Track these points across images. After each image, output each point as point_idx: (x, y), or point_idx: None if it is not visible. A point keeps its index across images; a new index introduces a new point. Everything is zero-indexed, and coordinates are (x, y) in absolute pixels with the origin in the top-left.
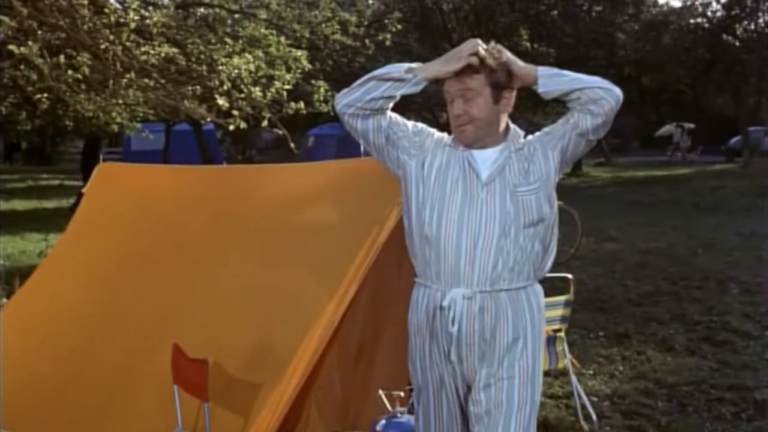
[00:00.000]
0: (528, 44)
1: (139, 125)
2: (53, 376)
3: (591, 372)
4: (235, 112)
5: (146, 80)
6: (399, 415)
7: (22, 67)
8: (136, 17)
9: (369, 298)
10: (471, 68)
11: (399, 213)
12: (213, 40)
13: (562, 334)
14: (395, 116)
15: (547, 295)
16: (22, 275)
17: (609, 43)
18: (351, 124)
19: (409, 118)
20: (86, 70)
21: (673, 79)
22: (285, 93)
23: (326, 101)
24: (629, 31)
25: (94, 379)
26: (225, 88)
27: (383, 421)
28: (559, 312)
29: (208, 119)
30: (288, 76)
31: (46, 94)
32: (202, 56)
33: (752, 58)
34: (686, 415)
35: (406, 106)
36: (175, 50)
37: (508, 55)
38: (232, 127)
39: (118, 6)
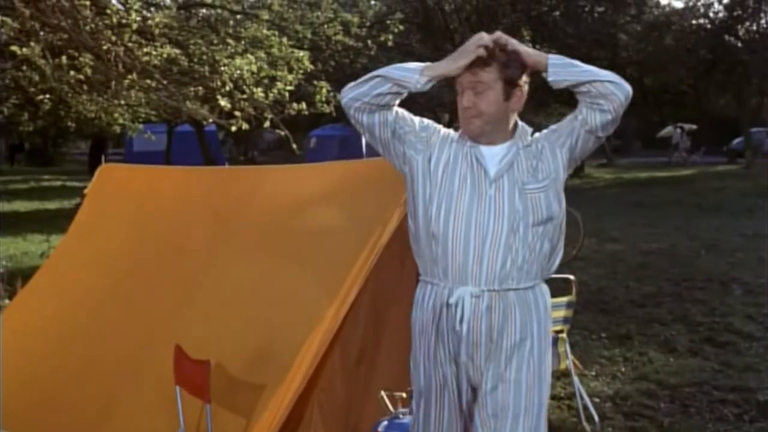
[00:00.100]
0: (530, 45)
1: (141, 126)
2: (55, 377)
3: (593, 373)
4: (237, 113)
5: (148, 81)
6: (401, 416)
7: (25, 68)
8: (138, 18)
9: (371, 299)
10: (482, 61)
11: (401, 214)
12: (215, 41)
13: (564, 335)
14: (402, 111)
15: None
16: (24, 276)
17: (611, 44)
18: (357, 118)
19: None
20: (88, 71)
21: (675, 80)
22: (287, 94)
23: (328, 102)
24: (631, 32)
25: (95, 380)
26: (227, 89)
27: (385, 422)
28: (561, 313)
29: (210, 120)
30: (290, 77)
31: (48, 95)
32: (204, 57)
33: (754, 59)
34: (688, 417)
35: (407, 107)
36: (177, 51)
37: (514, 43)
38: (234, 128)
39: (120, 7)
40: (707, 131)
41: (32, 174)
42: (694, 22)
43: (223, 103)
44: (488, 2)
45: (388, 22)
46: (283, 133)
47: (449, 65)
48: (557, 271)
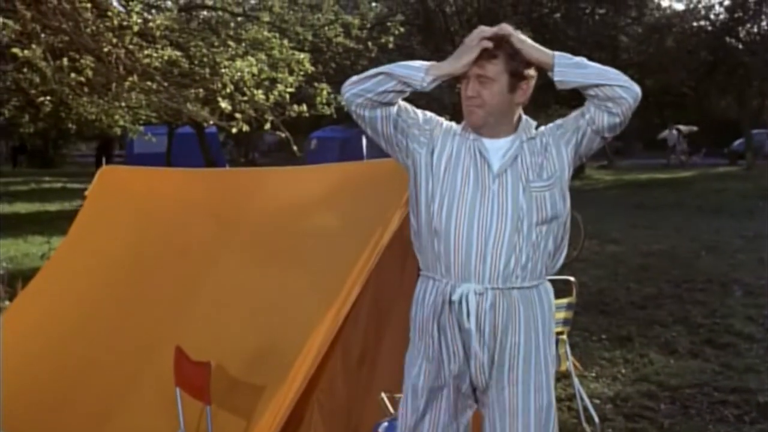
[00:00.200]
0: None
1: (141, 128)
2: (55, 379)
3: (593, 374)
4: (237, 115)
5: (149, 83)
6: None
7: (26, 70)
8: (139, 20)
9: (372, 300)
10: (488, 53)
11: (402, 215)
12: (216, 43)
13: (565, 336)
14: (404, 104)
15: None
16: (25, 278)
17: (612, 45)
18: (359, 113)
19: None
20: (89, 73)
21: (676, 81)
22: (288, 96)
23: (329, 104)
24: (632, 34)
25: (96, 382)
26: (228, 90)
27: (385, 424)
28: (561, 314)
29: (211, 122)
30: (291, 79)
31: (49, 97)
32: (205, 59)
33: (755, 61)
34: (689, 418)
35: None
36: (178, 53)
37: (520, 38)
38: (234, 130)
39: (121, 9)
40: (708, 133)
41: (33, 175)
42: (694, 24)
43: (224, 104)
44: (489, 4)
45: (389, 24)
46: (283, 135)
47: (454, 64)
48: (558, 273)
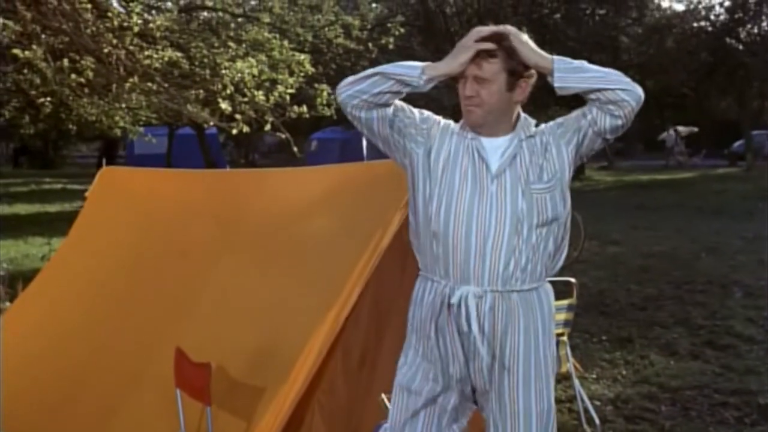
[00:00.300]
0: None
1: (142, 129)
2: (56, 380)
3: (594, 376)
4: (238, 116)
5: (149, 84)
6: None
7: (26, 71)
8: (140, 21)
9: (372, 301)
10: (486, 52)
11: (402, 217)
12: (216, 44)
13: (565, 338)
14: (401, 103)
15: None
16: (25, 279)
17: (612, 46)
18: (355, 114)
19: None
20: (89, 74)
21: (677, 82)
22: (288, 97)
23: (329, 105)
24: (632, 35)
25: (96, 383)
26: (228, 91)
27: (386, 425)
28: (562, 316)
29: (211, 123)
30: (291, 80)
31: (49, 98)
32: (205, 60)
33: (755, 62)
34: (689, 420)
35: None
36: (179, 54)
37: (521, 40)
38: (235, 131)
39: (121, 10)
40: (708, 134)
41: (33, 177)
42: (695, 24)
43: (224, 106)
44: (489, 5)
45: (389, 25)
46: (283, 136)
47: (450, 63)
48: (558, 274)
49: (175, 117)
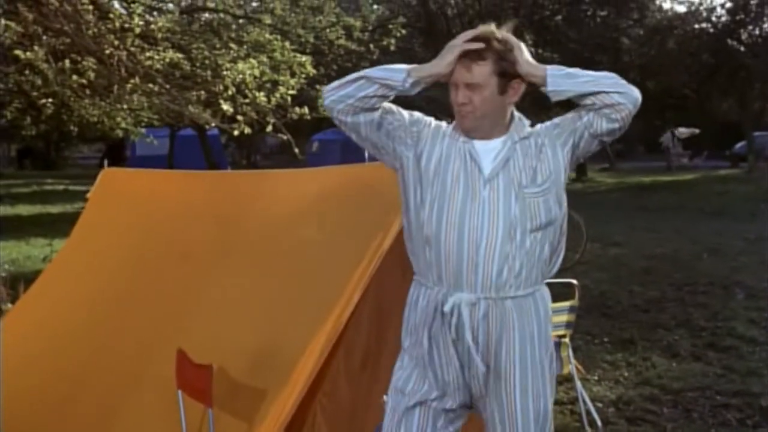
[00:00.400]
0: (533, 49)
1: (143, 130)
2: (57, 381)
3: (596, 378)
4: (239, 117)
5: (151, 85)
6: None
7: (27, 72)
8: (141, 22)
9: (374, 303)
10: (477, 55)
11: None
12: (217, 45)
13: (567, 339)
14: (389, 105)
15: (551, 300)
16: (27, 280)
17: (614, 48)
18: (341, 119)
19: None
20: (91, 75)
21: (678, 84)
22: (289, 98)
23: None
24: (634, 36)
25: (97, 384)
26: (229, 93)
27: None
28: (563, 318)
29: (213, 124)
30: (292, 81)
31: (50, 99)
32: (207, 61)
33: (757, 63)
34: (691, 421)
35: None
36: (180, 55)
37: (518, 47)
38: (236, 132)
39: (122, 11)
40: (710, 135)
41: (35, 178)
42: (696, 26)
43: (226, 107)
44: (491, 7)
45: (391, 26)
46: (285, 138)
47: (437, 63)
48: (560, 276)
49: (177, 118)
